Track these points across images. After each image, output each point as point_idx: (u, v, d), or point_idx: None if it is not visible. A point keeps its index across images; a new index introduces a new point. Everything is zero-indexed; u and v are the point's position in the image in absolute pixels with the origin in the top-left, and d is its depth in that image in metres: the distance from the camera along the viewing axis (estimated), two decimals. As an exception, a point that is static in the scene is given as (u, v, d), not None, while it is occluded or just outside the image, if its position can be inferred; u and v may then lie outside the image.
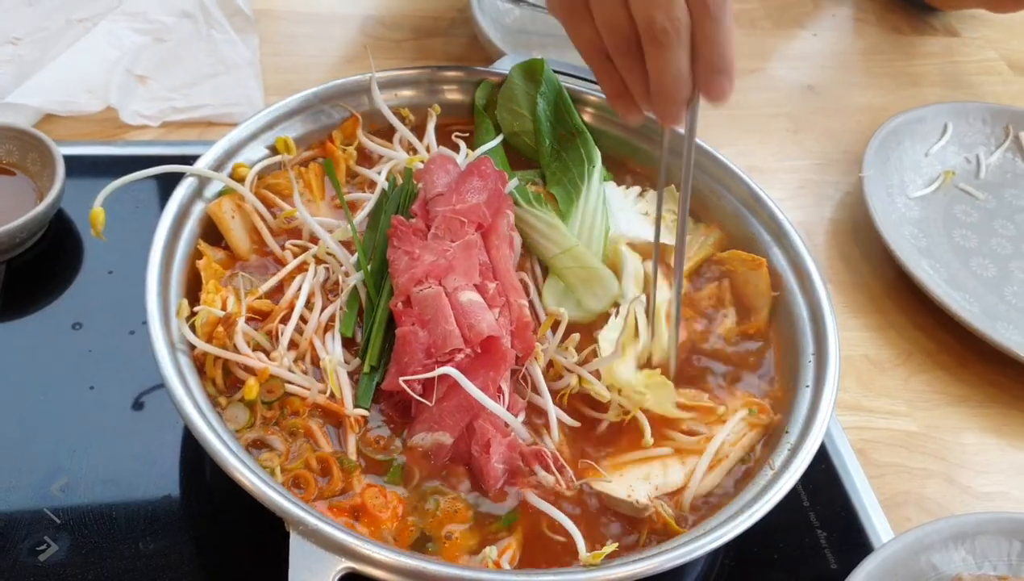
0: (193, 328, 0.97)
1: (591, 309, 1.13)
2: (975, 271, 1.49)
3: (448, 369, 0.94)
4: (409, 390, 0.95)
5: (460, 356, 0.97)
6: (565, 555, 0.92)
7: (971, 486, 1.23)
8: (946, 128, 1.70)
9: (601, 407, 1.04)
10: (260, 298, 1.04)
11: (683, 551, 0.87)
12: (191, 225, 1.06)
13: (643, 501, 0.95)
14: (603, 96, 1.32)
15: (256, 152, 1.17)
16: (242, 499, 0.83)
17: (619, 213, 1.23)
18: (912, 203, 1.58)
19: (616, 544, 0.91)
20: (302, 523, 0.81)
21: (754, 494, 0.95)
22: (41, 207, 1.16)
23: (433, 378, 0.94)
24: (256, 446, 0.94)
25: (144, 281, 0.97)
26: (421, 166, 1.20)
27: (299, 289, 1.05)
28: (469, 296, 1.01)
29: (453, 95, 1.34)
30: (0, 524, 0.96)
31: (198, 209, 1.08)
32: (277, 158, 1.18)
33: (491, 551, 0.90)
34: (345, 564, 0.80)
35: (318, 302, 1.05)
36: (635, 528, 0.96)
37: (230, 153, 1.14)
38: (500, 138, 1.30)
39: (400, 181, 1.20)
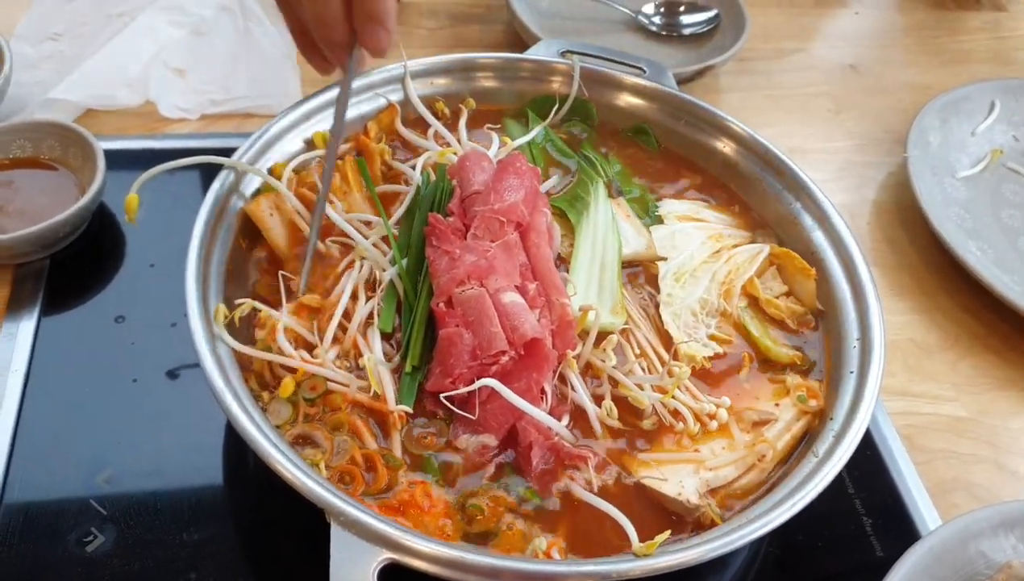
0: (233, 323, 0.98)
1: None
2: (1024, 252, 1.45)
3: (488, 381, 0.94)
4: (451, 405, 0.95)
5: (505, 358, 0.96)
6: (613, 547, 0.91)
7: (1021, 472, 1.20)
8: (993, 106, 1.66)
9: (638, 413, 1.02)
10: (311, 295, 1.04)
11: (727, 540, 0.86)
12: (229, 218, 1.07)
13: (694, 501, 0.94)
14: (639, 79, 1.33)
15: (293, 144, 1.18)
16: (285, 490, 0.83)
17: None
18: (958, 183, 1.55)
19: (669, 532, 0.89)
20: (342, 514, 0.81)
21: (798, 482, 0.94)
22: (83, 201, 1.18)
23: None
24: (300, 442, 0.95)
25: (184, 274, 0.97)
26: (454, 159, 1.20)
27: (344, 286, 1.05)
28: (511, 297, 1.01)
29: (489, 82, 1.34)
30: (48, 516, 0.98)
31: (235, 202, 1.09)
32: (313, 154, 1.18)
33: (540, 543, 0.89)
34: (386, 555, 0.80)
35: (361, 298, 1.05)
36: (682, 523, 0.95)
37: (267, 145, 1.14)
38: (536, 132, 1.30)
39: (433, 175, 1.19)
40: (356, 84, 1.23)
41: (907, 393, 1.27)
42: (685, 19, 1.77)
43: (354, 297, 1.05)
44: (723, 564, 1.04)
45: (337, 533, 0.81)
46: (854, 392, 1.02)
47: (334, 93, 1.21)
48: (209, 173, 1.09)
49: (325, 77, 1.16)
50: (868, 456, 1.16)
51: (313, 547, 0.83)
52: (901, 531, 1.10)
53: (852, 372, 1.04)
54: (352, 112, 1.23)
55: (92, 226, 1.25)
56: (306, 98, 1.20)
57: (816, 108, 1.72)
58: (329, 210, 1.10)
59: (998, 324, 1.36)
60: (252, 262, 1.10)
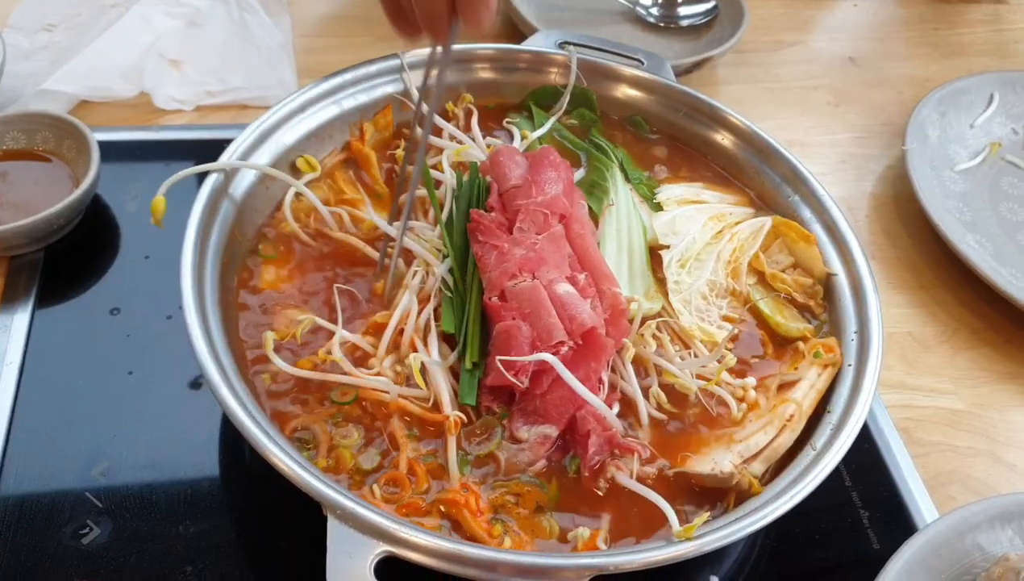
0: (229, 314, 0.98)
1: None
2: (1023, 245, 1.45)
3: (547, 355, 0.93)
4: (514, 380, 0.95)
5: (564, 349, 0.97)
6: (649, 532, 0.92)
7: (1018, 465, 1.20)
8: (992, 98, 1.65)
9: (681, 401, 1.03)
10: (383, 312, 1.04)
11: (722, 534, 0.86)
12: (224, 209, 1.06)
13: (728, 469, 0.95)
14: (637, 71, 1.32)
15: (289, 135, 1.17)
16: (282, 483, 0.83)
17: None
18: (957, 176, 1.54)
19: (708, 514, 0.90)
20: (339, 507, 0.80)
21: (796, 475, 0.94)
22: (77, 193, 1.17)
23: (538, 372, 0.95)
24: (298, 431, 0.95)
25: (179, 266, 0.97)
26: (472, 155, 1.20)
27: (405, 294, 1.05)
28: (565, 288, 1.01)
29: (486, 73, 1.33)
30: (43, 508, 0.97)
31: (231, 194, 1.08)
32: (308, 177, 1.16)
33: (583, 532, 0.90)
34: (383, 548, 0.80)
35: (414, 305, 1.04)
36: (720, 497, 0.96)
37: (263, 137, 1.13)
38: (551, 123, 1.29)
39: (452, 172, 1.18)
40: (349, 76, 1.22)
41: (904, 386, 1.27)
42: (683, 10, 1.77)
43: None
44: (719, 557, 1.03)
45: (334, 526, 0.80)
46: (852, 385, 1.02)
47: (330, 84, 1.21)
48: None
49: (404, 38, 1.08)
50: (865, 449, 1.16)
51: (310, 540, 0.82)
52: (898, 524, 1.10)
53: (850, 365, 1.05)
54: (349, 103, 1.23)
55: (87, 218, 1.24)
56: (303, 89, 1.19)
57: (815, 101, 1.72)
58: (378, 220, 1.11)
59: (996, 317, 1.36)
60: (249, 255, 1.10)
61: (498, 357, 0.96)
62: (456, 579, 0.83)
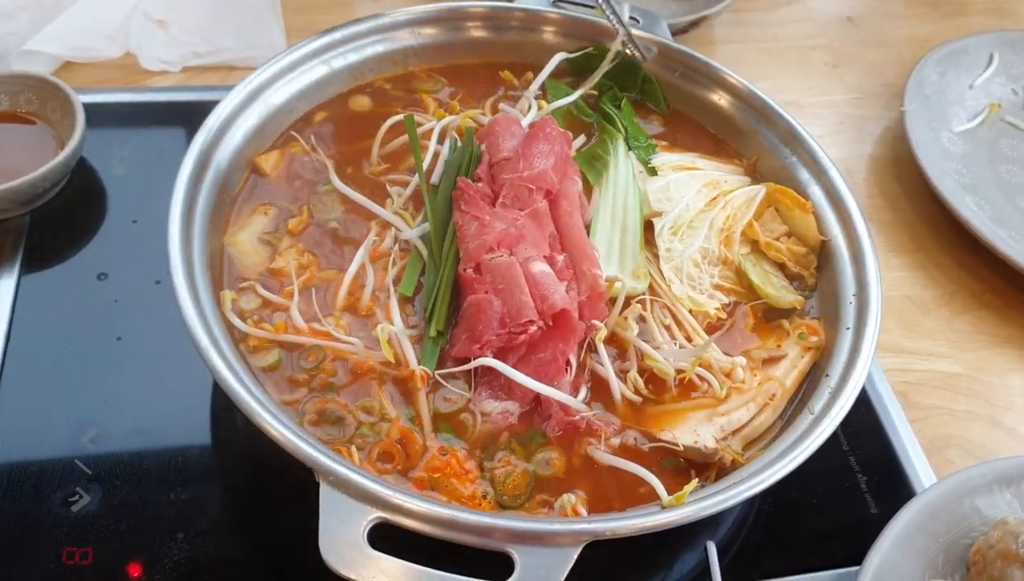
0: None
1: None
2: (1022, 208, 1.43)
3: (489, 360, 0.93)
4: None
5: (533, 328, 0.96)
6: (629, 505, 0.91)
7: (1016, 428, 1.20)
8: (992, 58, 1.63)
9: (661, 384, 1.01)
10: (325, 271, 1.04)
11: (719, 499, 0.85)
12: (212, 171, 1.04)
13: (711, 446, 0.94)
14: (633, 29, 1.30)
15: (278, 96, 1.15)
16: (273, 449, 0.82)
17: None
18: (956, 137, 1.52)
19: (696, 480, 0.90)
20: (332, 473, 0.80)
21: (794, 439, 0.93)
22: (61, 156, 1.15)
23: (504, 349, 0.95)
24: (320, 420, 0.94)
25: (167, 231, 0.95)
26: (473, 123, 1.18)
27: (360, 258, 1.04)
28: (540, 267, 1.00)
29: (478, 32, 1.30)
30: (32, 476, 0.96)
31: (218, 156, 1.06)
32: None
33: (568, 499, 0.89)
34: (376, 514, 0.79)
35: (370, 269, 1.04)
36: (703, 469, 0.95)
37: (251, 97, 1.12)
38: (575, 96, 1.26)
39: (459, 141, 1.17)
40: (339, 35, 1.20)
41: (902, 350, 1.26)
42: (680, -32, 1.73)
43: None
44: (716, 522, 1.03)
45: (326, 492, 0.79)
46: (850, 349, 1.01)
47: (319, 43, 1.18)
48: (191, 126, 1.06)
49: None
50: (863, 413, 1.15)
51: (303, 507, 0.81)
52: (895, 488, 1.09)
53: (848, 328, 1.03)
54: (338, 62, 1.21)
55: (72, 182, 1.22)
56: (291, 49, 1.17)
57: (813, 61, 1.70)
58: (336, 181, 1.10)
59: (994, 281, 1.35)
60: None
61: (464, 336, 0.96)
62: (450, 544, 0.82)
